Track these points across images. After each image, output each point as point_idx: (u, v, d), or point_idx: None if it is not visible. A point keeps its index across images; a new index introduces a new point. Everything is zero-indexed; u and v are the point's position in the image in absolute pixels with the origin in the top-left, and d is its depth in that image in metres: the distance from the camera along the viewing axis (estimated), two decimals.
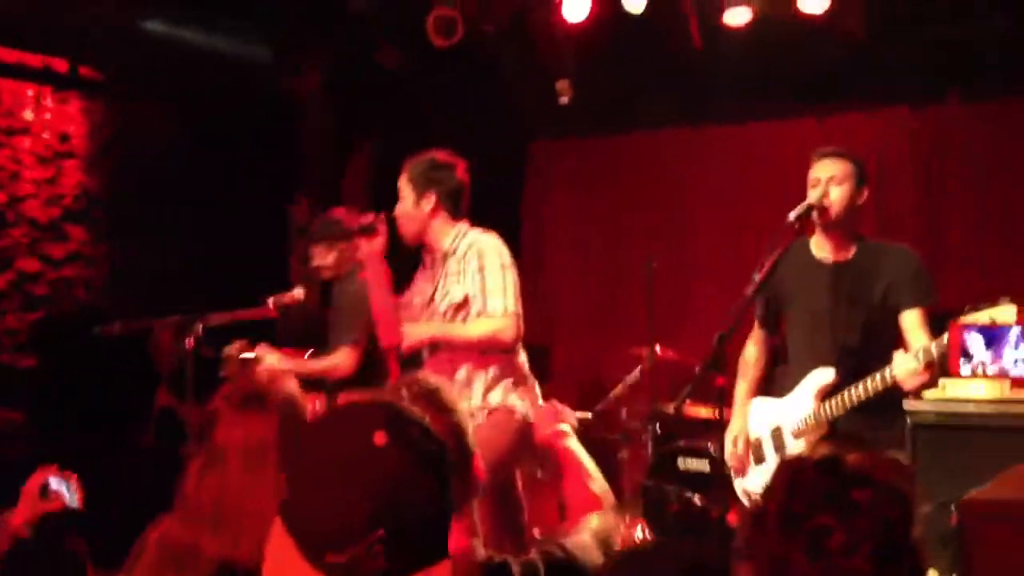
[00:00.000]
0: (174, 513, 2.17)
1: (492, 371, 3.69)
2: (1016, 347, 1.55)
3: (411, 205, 3.71)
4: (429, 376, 2.23)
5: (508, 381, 3.71)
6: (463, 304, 3.64)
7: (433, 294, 3.74)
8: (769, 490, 1.50)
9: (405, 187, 3.73)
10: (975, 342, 1.59)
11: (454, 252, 3.70)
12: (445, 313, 3.67)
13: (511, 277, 3.69)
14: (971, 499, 2.67)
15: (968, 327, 1.58)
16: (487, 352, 3.67)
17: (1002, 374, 1.58)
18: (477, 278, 3.63)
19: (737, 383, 3.81)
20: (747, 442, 3.68)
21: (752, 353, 3.81)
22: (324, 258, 4.85)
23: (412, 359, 3.77)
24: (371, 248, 3.71)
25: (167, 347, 5.55)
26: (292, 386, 2.28)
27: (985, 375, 1.58)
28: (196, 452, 2.22)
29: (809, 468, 1.49)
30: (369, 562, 1.33)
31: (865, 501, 1.43)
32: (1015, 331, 1.55)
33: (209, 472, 2.12)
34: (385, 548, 1.33)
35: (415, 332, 3.64)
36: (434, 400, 2.05)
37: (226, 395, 2.21)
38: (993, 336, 1.57)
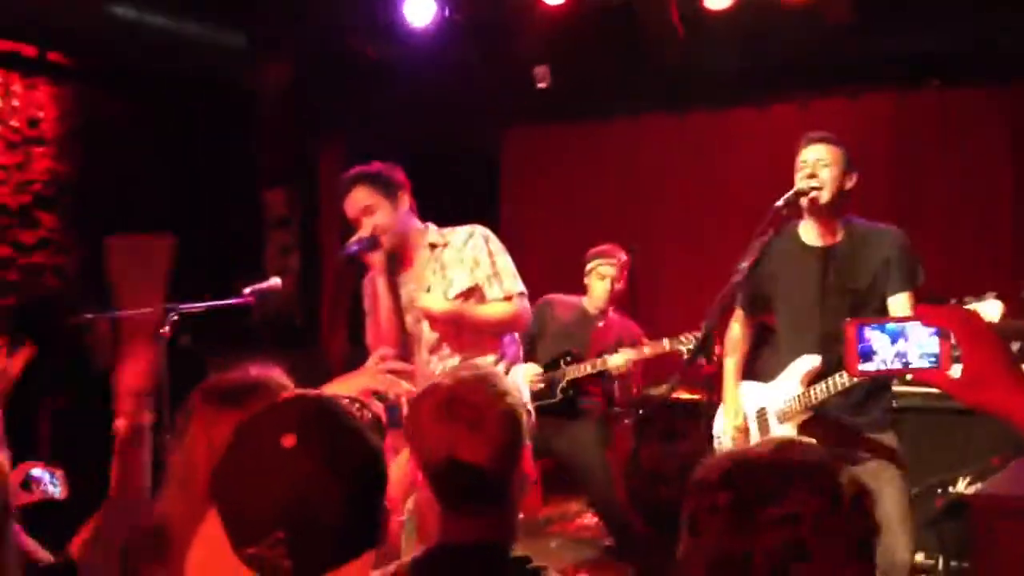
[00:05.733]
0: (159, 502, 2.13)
1: (520, 364, 3.77)
2: (919, 342, 1.52)
3: (389, 211, 3.61)
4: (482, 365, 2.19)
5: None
6: (472, 290, 3.59)
7: (429, 287, 3.66)
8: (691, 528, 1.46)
9: (371, 198, 3.60)
10: (874, 341, 1.55)
11: (447, 244, 3.66)
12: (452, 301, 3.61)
13: (509, 259, 3.70)
14: (982, 494, 2.69)
15: (862, 325, 1.55)
16: (501, 335, 3.68)
17: (904, 368, 1.55)
18: (487, 262, 3.61)
19: (726, 360, 3.80)
20: (745, 417, 3.67)
21: (737, 331, 3.80)
22: None
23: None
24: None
25: (104, 339, 5.48)
26: (283, 382, 2.19)
27: (891, 370, 1.55)
28: (173, 446, 2.15)
29: (713, 500, 1.42)
30: (274, 560, 1.38)
31: (776, 518, 1.37)
32: (916, 326, 1.53)
33: (179, 464, 2.07)
34: (288, 549, 1.38)
35: (435, 304, 3.55)
36: (493, 384, 2.01)
37: (205, 389, 2.13)
38: (893, 331, 1.54)
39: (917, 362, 1.53)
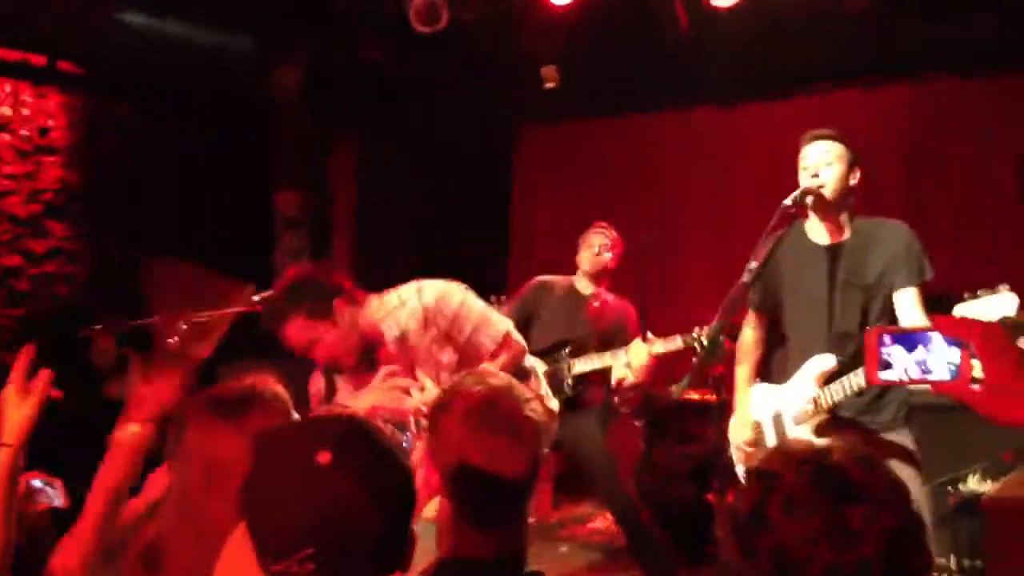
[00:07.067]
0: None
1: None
2: (939, 352, 1.51)
3: (333, 332, 3.27)
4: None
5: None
6: (460, 362, 3.36)
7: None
8: (758, 517, 1.44)
9: (309, 329, 3.24)
10: (894, 351, 1.55)
11: (407, 329, 3.36)
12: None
13: (475, 302, 3.47)
14: (993, 497, 2.67)
15: (883, 334, 1.55)
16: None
17: (923, 377, 1.54)
18: (459, 328, 3.40)
19: (737, 368, 3.73)
20: (756, 426, 3.62)
21: (750, 336, 3.74)
22: None
23: None
24: None
25: (105, 350, 5.48)
26: (279, 391, 2.16)
27: (911, 380, 1.54)
28: (171, 454, 2.14)
29: (799, 493, 1.43)
30: None
31: (862, 523, 1.40)
32: (936, 336, 1.52)
33: (175, 478, 2.04)
34: (316, 566, 1.35)
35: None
36: (522, 392, 1.99)
37: (201, 400, 2.11)
38: (913, 341, 1.54)
39: (937, 372, 1.52)
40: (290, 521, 1.39)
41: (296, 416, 2.13)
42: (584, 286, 5.10)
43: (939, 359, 1.53)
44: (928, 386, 1.52)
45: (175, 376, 2.36)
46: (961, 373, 1.50)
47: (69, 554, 2.17)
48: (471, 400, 1.93)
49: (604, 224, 5.23)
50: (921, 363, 1.54)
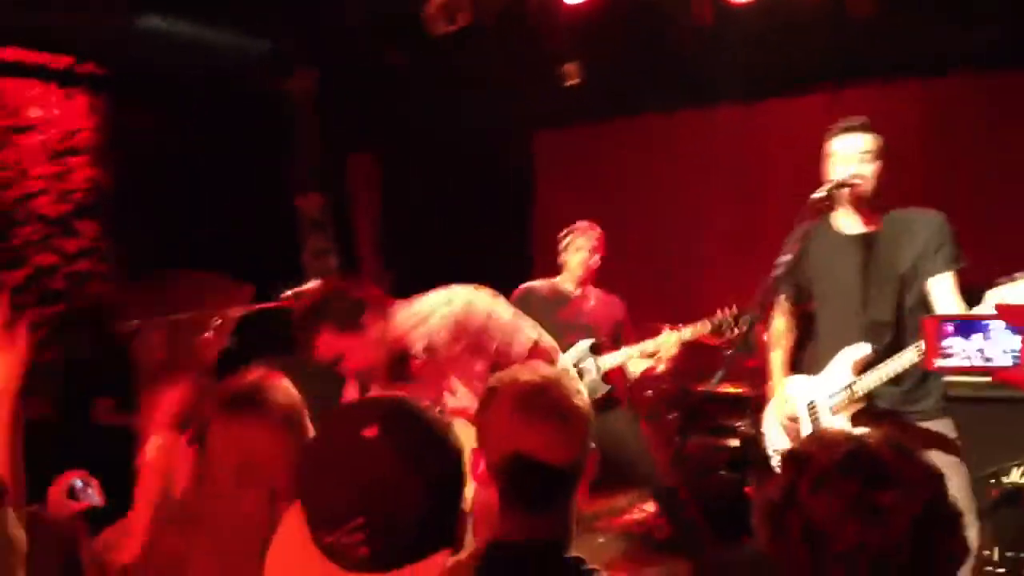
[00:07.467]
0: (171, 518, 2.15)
1: None
2: (999, 339, 1.52)
3: (367, 341, 3.30)
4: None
5: None
6: (491, 370, 3.23)
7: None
8: (788, 497, 1.47)
9: (339, 340, 3.25)
10: (954, 338, 1.56)
11: (437, 340, 3.36)
12: None
13: (504, 309, 3.46)
14: None
15: (943, 322, 1.56)
16: None
17: (985, 364, 1.55)
18: (487, 338, 3.38)
19: (772, 354, 3.77)
20: (791, 416, 3.63)
21: (781, 324, 3.78)
22: None
23: None
24: None
25: (155, 344, 5.51)
26: (286, 385, 2.18)
27: (972, 367, 1.55)
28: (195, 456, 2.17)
29: (829, 472, 1.45)
30: (352, 548, 1.41)
31: (891, 504, 1.40)
32: (996, 323, 1.53)
33: (202, 480, 2.09)
34: (366, 536, 1.40)
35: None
36: (572, 382, 2.01)
37: (219, 398, 2.14)
38: (973, 328, 1.54)
39: (998, 359, 1.53)
40: (338, 492, 1.44)
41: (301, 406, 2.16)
42: (570, 286, 5.11)
43: (999, 346, 1.54)
44: (970, 376, 1.54)
45: (185, 383, 2.38)
46: (1022, 360, 1.52)
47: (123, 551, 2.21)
48: (521, 387, 1.94)
49: (587, 224, 5.20)
50: (981, 350, 1.55)
